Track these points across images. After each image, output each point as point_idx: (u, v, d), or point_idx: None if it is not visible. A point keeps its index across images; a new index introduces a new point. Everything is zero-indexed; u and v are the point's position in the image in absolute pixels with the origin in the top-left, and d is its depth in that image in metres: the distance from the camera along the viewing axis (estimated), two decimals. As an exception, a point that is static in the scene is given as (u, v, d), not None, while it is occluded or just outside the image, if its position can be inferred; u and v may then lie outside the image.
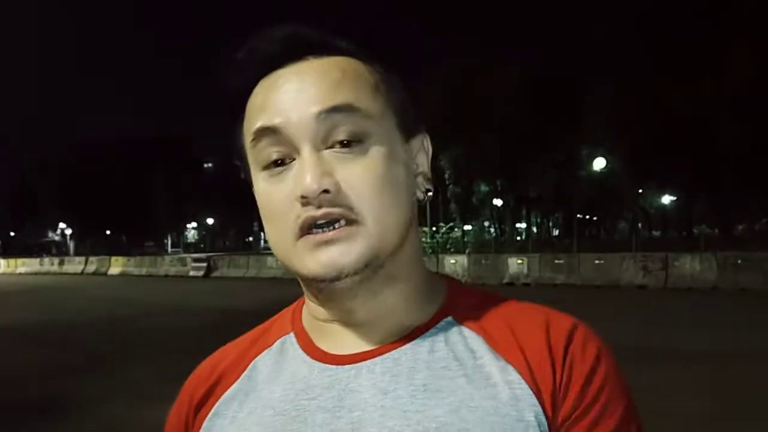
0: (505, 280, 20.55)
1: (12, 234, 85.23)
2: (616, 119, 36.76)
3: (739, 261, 17.31)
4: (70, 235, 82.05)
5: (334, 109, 0.63)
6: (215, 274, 30.02)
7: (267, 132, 0.64)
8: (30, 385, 7.70)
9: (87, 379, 7.92)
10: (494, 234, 51.21)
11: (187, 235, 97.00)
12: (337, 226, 0.62)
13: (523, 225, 59.51)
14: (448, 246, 44.92)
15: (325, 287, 0.66)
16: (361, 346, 0.68)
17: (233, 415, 0.70)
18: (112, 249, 56.81)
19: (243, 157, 0.70)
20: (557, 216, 63.15)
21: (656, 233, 58.14)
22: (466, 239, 50.34)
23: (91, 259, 38.75)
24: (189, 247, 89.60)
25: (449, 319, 0.69)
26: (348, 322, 0.68)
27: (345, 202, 0.62)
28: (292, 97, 0.64)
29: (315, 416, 0.65)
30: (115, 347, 10.45)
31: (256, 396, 0.69)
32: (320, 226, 0.62)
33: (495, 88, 40.82)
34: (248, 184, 0.71)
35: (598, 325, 0.75)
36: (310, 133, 0.63)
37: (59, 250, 76.61)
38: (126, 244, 73.54)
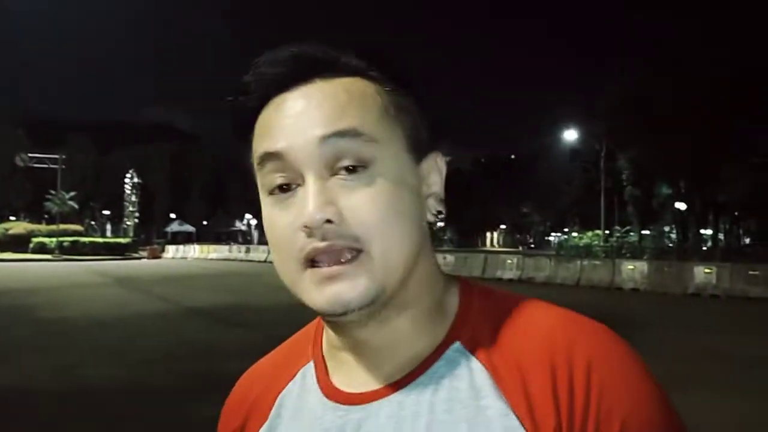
0: (690, 291, 19.08)
1: (204, 223, 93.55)
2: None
3: None
4: (255, 225, 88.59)
5: (338, 134, 0.61)
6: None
7: (271, 157, 0.63)
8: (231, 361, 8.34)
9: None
10: (676, 240, 47.92)
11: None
12: (342, 260, 0.60)
13: (708, 231, 54.95)
14: (623, 251, 42.71)
15: (333, 320, 0.65)
16: (371, 382, 0.66)
17: None
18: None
19: (252, 178, 0.69)
20: (749, 223, 57.89)
21: None
22: (643, 244, 47.59)
23: (273, 248, 41.60)
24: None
25: (456, 346, 0.65)
26: (362, 351, 0.67)
27: (349, 232, 0.60)
28: (297, 121, 0.62)
29: None
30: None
31: None
32: (325, 260, 0.60)
33: (680, 84, 38.11)
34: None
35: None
36: (314, 158, 0.61)
37: (244, 238, 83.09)
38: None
